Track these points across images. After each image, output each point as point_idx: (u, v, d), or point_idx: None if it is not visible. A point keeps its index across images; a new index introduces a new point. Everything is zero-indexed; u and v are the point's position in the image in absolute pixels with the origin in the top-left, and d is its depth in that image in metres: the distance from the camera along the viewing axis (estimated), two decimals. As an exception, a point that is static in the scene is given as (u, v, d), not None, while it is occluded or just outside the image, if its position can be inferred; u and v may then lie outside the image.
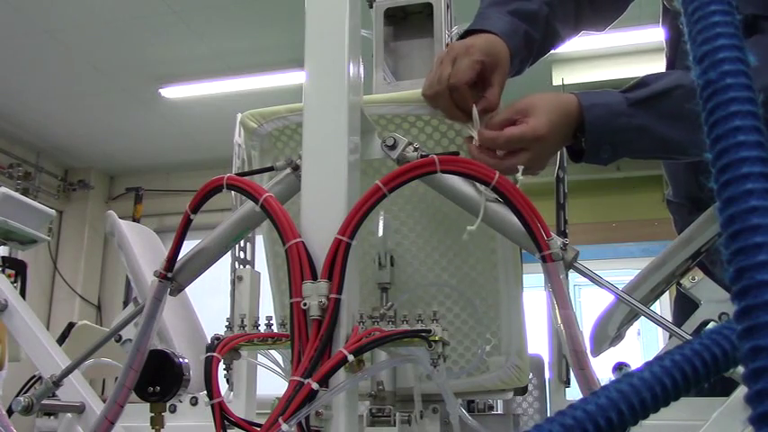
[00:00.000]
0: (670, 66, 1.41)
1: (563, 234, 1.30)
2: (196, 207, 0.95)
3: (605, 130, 1.07)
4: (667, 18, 1.41)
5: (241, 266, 1.42)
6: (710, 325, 1.15)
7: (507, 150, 1.04)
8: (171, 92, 4.97)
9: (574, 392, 1.28)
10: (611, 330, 1.11)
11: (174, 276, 0.97)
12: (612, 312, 1.10)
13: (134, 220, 5.64)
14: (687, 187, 1.44)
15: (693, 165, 1.37)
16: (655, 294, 1.17)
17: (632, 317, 1.16)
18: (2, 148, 5.52)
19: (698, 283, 1.13)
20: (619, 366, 1.18)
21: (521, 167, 1.01)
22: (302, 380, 0.76)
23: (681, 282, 1.15)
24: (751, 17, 1.14)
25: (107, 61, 4.62)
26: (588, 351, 0.87)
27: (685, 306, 1.29)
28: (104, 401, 1.00)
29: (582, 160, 1.12)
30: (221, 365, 0.89)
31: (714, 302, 1.11)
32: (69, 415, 1.21)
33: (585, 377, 0.84)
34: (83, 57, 4.56)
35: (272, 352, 0.98)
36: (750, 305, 0.35)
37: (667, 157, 1.30)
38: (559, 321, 0.86)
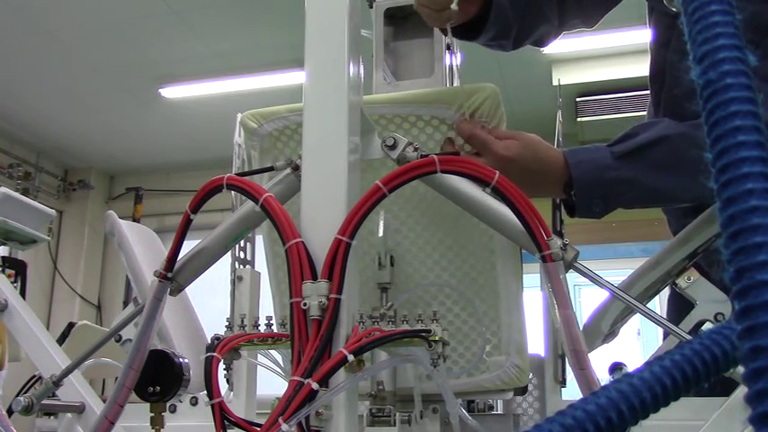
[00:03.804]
0: (654, 68, 1.38)
1: (559, 234, 1.30)
2: (196, 207, 0.95)
3: (594, 185, 1.10)
4: (652, 19, 1.39)
5: (241, 266, 1.42)
6: (706, 325, 1.15)
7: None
8: (171, 92, 4.97)
9: (570, 393, 1.28)
10: (604, 327, 1.12)
11: (174, 276, 0.97)
12: (606, 309, 1.10)
13: (134, 220, 5.64)
14: None
15: None
16: (650, 293, 1.17)
17: (627, 314, 1.17)
18: (2, 148, 5.52)
19: (694, 283, 1.14)
20: (615, 367, 1.18)
21: None
22: (302, 380, 0.76)
23: (677, 282, 1.15)
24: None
25: (107, 61, 4.62)
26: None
27: (679, 305, 1.29)
28: (104, 401, 1.00)
29: (576, 215, 1.15)
30: (221, 365, 0.89)
31: (710, 303, 1.11)
32: (69, 415, 1.21)
33: (585, 377, 0.84)
34: (83, 57, 4.56)
35: (272, 352, 0.98)
36: (750, 305, 0.35)
37: (660, 205, 1.33)
38: (559, 321, 0.86)
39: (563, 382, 1.29)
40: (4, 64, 4.59)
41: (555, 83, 4.40)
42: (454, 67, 1.64)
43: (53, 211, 1.40)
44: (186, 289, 1.02)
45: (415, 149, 0.98)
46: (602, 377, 0.87)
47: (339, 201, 0.87)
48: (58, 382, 1.12)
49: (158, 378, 1.01)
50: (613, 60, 4.46)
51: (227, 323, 0.95)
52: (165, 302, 0.98)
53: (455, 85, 1.60)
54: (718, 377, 0.41)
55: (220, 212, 1.20)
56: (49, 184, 5.96)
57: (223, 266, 1.23)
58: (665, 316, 0.98)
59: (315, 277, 0.83)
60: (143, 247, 1.46)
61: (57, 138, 5.64)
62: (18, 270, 4.17)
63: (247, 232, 1.03)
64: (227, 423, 0.84)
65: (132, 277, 1.42)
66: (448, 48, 1.54)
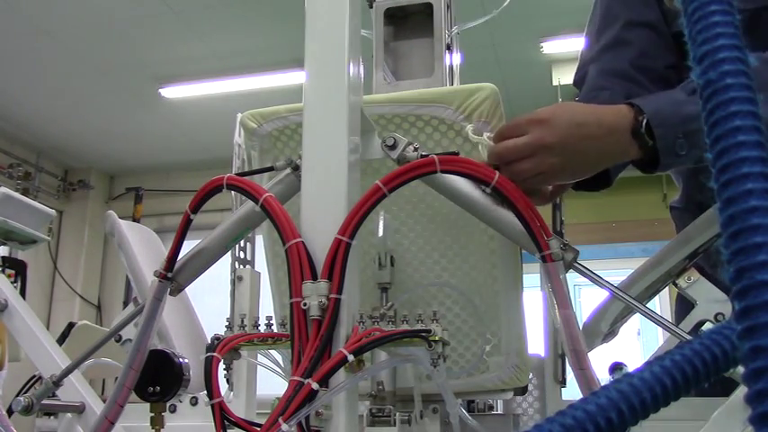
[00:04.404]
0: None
1: (558, 234, 1.30)
2: (196, 207, 0.95)
3: (674, 121, 0.94)
4: None
5: (241, 266, 1.42)
6: (706, 325, 1.15)
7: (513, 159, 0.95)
8: (171, 92, 4.97)
9: (570, 393, 1.28)
10: (604, 326, 1.12)
11: (174, 276, 0.97)
12: (606, 309, 1.10)
13: (134, 220, 5.64)
14: (698, 195, 1.41)
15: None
16: (650, 293, 1.17)
17: (626, 313, 1.16)
18: (2, 148, 5.52)
19: (694, 283, 1.14)
20: (615, 367, 1.18)
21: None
22: (302, 380, 0.76)
23: (677, 282, 1.15)
24: (753, 12, 1.10)
25: (107, 61, 4.62)
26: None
27: (687, 306, 1.29)
28: (104, 401, 1.00)
29: (659, 167, 0.98)
30: (221, 365, 0.89)
31: (710, 303, 1.11)
32: (69, 415, 1.21)
33: (585, 377, 0.84)
34: (83, 57, 4.55)
35: (272, 352, 0.98)
36: (750, 305, 0.35)
37: None
38: (559, 321, 0.86)
39: (563, 382, 1.30)
40: (4, 64, 4.59)
41: (555, 83, 4.39)
42: (454, 67, 1.64)
43: (53, 211, 1.40)
44: (186, 289, 1.02)
45: (415, 149, 0.98)
46: (602, 377, 0.87)
47: (339, 201, 0.87)
48: (58, 382, 1.12)
49: (158, 378, 1.01)
50: (613, 60, 4.44)
51: (227, 323, 0.95)
52: (165, 302, 0.98)
53: (455, 85, 1.60)
54: (718, 377, 0.41)
55: (220, 212, 1.20)
56: (49, 184, 5.96)
57: (223, 266, 1.23)
58: (664, 316, 0.97)
59: (315, 277, 0.83)
60: (143, 247, 1.46)
61: (57, 138, 5.64)
62: (18, 270, 4.17)
63: (247, 232, 1.03)
64: (227, 423, 0.84)
65: (132, 277, 1.42)
66: (448, 48, 1.54)
